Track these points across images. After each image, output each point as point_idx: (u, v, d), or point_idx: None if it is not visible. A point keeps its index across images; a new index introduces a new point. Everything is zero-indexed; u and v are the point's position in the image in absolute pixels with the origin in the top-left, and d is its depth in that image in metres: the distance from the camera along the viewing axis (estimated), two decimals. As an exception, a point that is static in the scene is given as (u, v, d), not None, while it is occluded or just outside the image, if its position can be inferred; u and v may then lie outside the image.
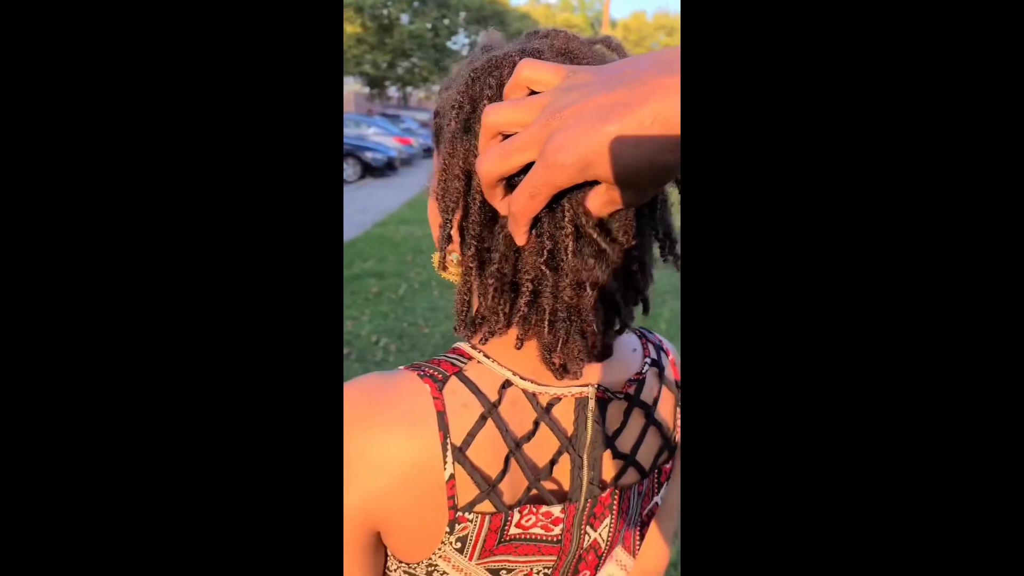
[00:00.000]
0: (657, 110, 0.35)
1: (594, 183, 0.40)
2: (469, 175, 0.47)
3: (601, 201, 0.41)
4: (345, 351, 3.68)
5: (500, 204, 0.44)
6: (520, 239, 0.44)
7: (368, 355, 3.61)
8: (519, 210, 0.41)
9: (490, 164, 0.41)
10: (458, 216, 0.48)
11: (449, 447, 0.47)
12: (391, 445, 0.46)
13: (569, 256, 0.44)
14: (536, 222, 0.44)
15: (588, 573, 0.58)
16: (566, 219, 0.43)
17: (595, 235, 0.43)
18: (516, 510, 0.50)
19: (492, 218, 0.47)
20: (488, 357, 0.51)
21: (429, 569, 0.50)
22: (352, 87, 28.39)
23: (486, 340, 0.49)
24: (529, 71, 0.41)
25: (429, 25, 23.11)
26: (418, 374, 0.49)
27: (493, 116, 0.41)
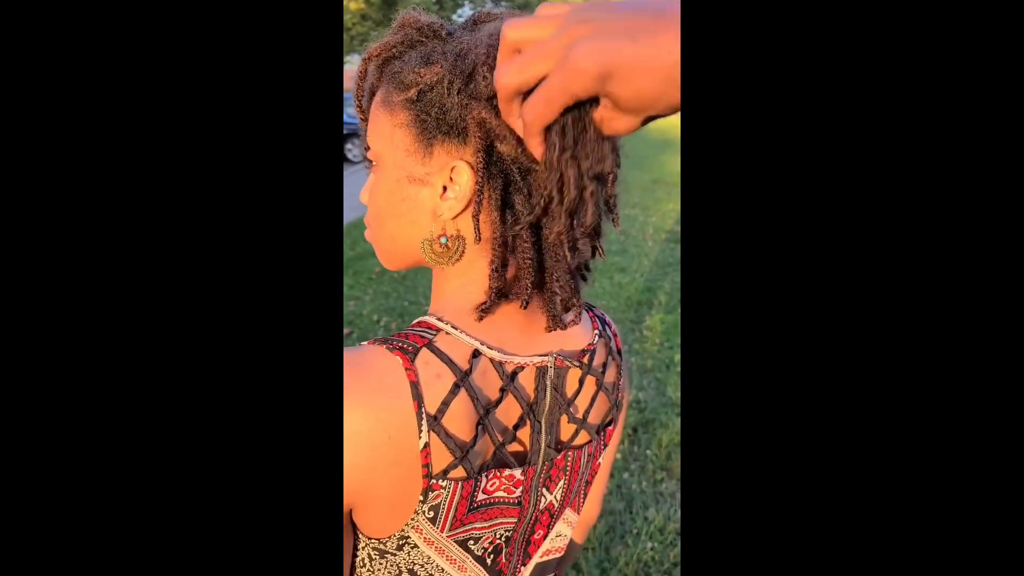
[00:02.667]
0: (676, 44, 0.37)
1: (594, 104, 0.42)
2: (492, 147, 0.50)
3: (599, 118, 0.43)
4: (347, 331, 3.73)
5: (515, 121, 0.45)
6: (536, 150, 0.45)
7: (370, 334, 3.66)
8: (533, 118, 0.42)
9: (509, 76, 0.42)
10: (474, 191, 0.51)
11: (424, 416, 0.49)
12: (366, 420, 0.47)
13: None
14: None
15: (542, 532, 0.62)
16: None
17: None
18: (484, 475, 0.53)
19: (525, 190, 0.51)
20: (456, 328, 0.53)
21: (400, 542, 0.52)
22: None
23: (526, 304, 0.53)
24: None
25: (434, -1, 22.78)
26: (387, 347, 0.50)
27: (512, 32, 0.42)
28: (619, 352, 0.67)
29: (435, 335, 0.52)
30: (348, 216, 6.70)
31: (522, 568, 0.62)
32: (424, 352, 0.51)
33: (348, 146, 11.66)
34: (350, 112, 13.14)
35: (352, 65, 28.69)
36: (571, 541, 0.73)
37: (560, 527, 0.64)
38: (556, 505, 0.61)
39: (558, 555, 0.66)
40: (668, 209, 7.35)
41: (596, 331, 0.63)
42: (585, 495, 0.67)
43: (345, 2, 21.72)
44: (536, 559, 0.64)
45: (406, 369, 0.49)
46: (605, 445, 0.66)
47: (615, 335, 0.68)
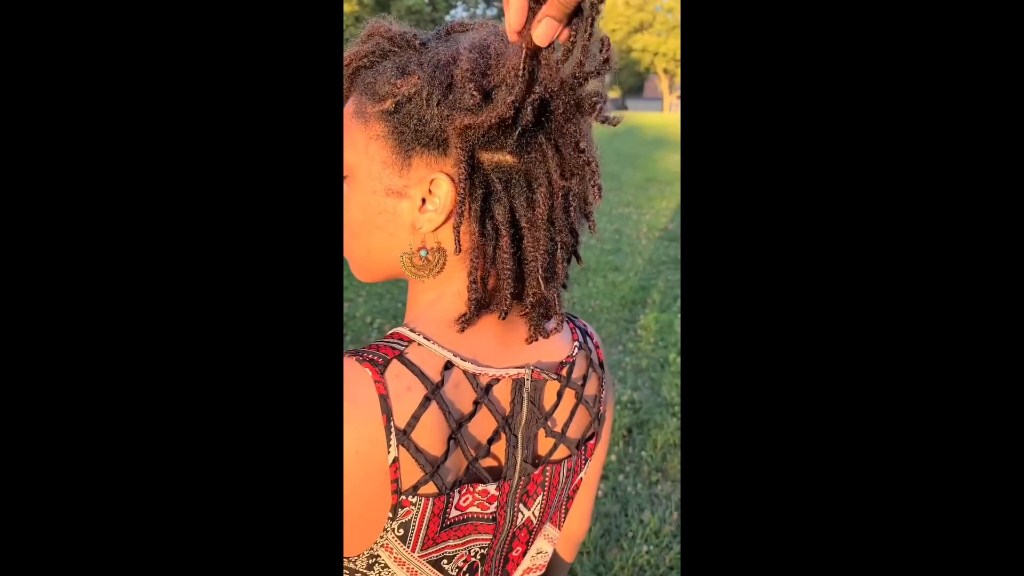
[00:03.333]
0: None
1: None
2: (473, 157, 0.50)
3: None
4: (340, 333, 3.71)
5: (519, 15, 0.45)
6: (549, 36, 0.46)
7: (363, 336, 3.63)
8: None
9: None
10: (454, 202, 0.51)
11: (393, 430, 0.48)
12: (353, 440, 0.47)
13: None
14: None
15: (521, 549, 0.60)
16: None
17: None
18: (456, 491, 0.52)
19: (506, 200, 0.52)
20: (428, 339, 0.52)
21: (370, 561, 0.51)
22: (351, 65, 28.29)
23: (505, 315, 0.52)
24: None
25: (427, 0, 22.85)
26: (356, 359, 0.49)
27: None
28: (601, 364, 0.65)
29: (407, 346, 0.51)
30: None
31: None
32: (395, 364, 0.50)
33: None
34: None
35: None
36: (554, 558, 0.72)
37: (540, 543, 0.63)
38: (535, 521, 0.60)
39: (539, 572, 0.65)
40: (662, 207, 7.35)
41: (576, 343, 0.62)
42: (567, 510, 0.65)
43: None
44: (522, 567, 0.62)
45: (375, 382, 0.48)
46: (587, 460, 0.64)
47: (597, 347, 0.66)
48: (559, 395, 0.58)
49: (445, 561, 0.54)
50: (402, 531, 0.50)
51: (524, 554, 0.61)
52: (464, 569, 0.56)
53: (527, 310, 0.53)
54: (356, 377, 0.48)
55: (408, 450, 0.48)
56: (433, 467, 0.49)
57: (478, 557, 0.56)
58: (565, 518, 0.65)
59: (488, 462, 0.54)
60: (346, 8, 22.39)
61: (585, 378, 0.61)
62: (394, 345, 0.51)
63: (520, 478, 0.55)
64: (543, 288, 0.52)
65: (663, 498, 2.30)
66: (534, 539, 0.61)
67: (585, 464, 0.64)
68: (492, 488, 0.54)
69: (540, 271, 0.51)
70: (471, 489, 0.53)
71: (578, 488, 0.65)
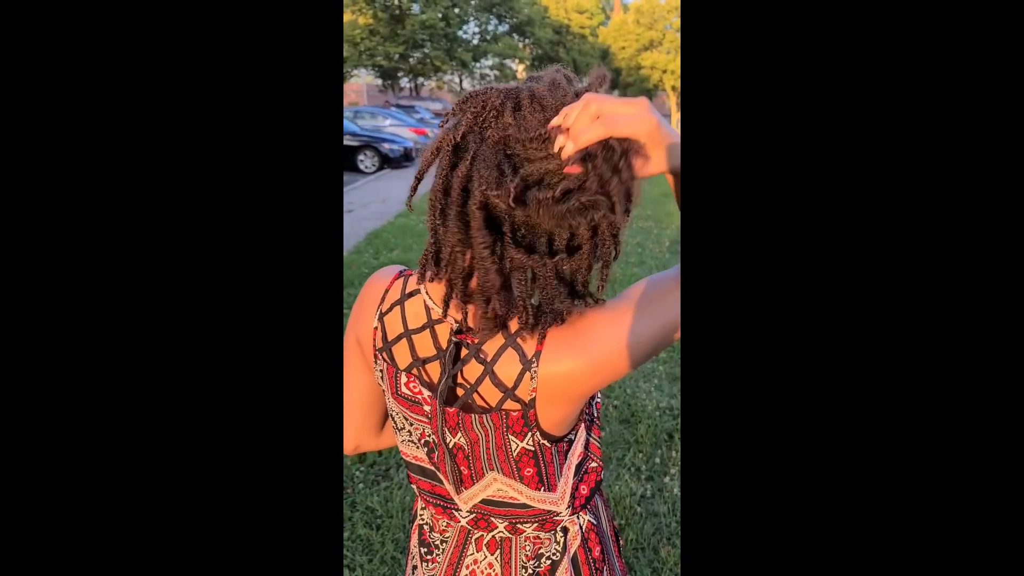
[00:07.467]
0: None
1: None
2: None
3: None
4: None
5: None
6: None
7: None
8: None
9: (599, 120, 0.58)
10: None
11: (378, 310, 0.75)
12: (364, 297, 0.78)
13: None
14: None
15: (466, 471, 0.74)
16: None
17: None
18: (403, 373, 0.73)
19: None
20: (418, 276, 0.72)
21: (378, 376, 0.77)
22: (365, 79, 28.44)
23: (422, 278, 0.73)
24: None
25: (440, 14, 23.06)
26: (400, 269, 0.77)
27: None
28: (524, 355, 0.67)
29: (414, 275, 0.73)
30: (369, 226, 6.78)
31: (464, 490, 0.75)
32: (402, 279, 0.76)
33: (360, 157, 11.74)
34: (362, 124, 13.24)
35: (359, 78, 28.92)
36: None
37: (498, 484, 0.73)
38: (467, 449, 0.71)
39: (512, 501, 0.74)
40: (679, 221, 7.43)
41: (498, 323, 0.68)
42: (517, 469, 0.72)
43: (355, 17, 22.00)
44: (478, 493, 0.74)
45: (392, 279, 0.76)
46: (517, 431, 0.69)
47: (539, 342, 0.68)
48: (468, 357, 0.68)
49: (407, 422, 0.75)
50: (379, 374, 0.76)
51: (472, 478, 0.74)
52: (421, 441, 0.75)
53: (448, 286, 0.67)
54: (388, 271, 0.77)
55: (381, 325, 0.74)
56: (384, 343, 0.74)
57: (432, 441, 0.74)
58: (520, 475, 0.72)
59: (427, 375, 0.72)
60: (360, 20, 22.59)
61: (496, 357, 0.67)
62: (409, 272, 0.76)
63: (442, 406, 0.69)
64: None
65: (708, 500, 2.36)
66: (475, 469, 0.72)
67: (527, 433, 0.69)
68: (426, 392, 0.71)
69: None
70: (416, 383, 0.72)
71: (529, 455, 0.71)
